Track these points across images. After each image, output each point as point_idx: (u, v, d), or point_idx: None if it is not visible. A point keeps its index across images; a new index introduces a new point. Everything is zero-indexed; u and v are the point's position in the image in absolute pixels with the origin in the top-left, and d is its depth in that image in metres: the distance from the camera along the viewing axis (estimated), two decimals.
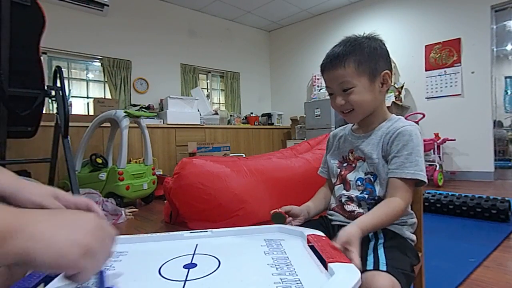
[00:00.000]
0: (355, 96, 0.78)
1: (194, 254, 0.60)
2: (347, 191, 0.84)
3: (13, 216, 0.37)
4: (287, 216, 0.81)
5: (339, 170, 0.88)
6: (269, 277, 0.50)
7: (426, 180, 0.74)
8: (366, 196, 0.79)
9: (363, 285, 0.57)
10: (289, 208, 0.83)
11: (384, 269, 0.60)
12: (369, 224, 0.66)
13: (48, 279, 0.48)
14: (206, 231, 0.71)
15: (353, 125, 0.91)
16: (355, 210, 0.80)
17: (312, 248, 0.61)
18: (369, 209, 0.78)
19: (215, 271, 0.53)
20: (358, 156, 0.84)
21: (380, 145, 0.80)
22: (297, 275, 0.50)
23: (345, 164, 0.87)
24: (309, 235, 0.65)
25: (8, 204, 0.50)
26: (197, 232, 0.71)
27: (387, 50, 0.82)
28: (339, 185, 0.86)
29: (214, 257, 0.59)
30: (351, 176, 0.84)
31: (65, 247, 0.38)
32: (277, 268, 0.53)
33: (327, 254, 0.54)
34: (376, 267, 0.60)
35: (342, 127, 0.97)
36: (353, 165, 0.84)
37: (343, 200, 0.83)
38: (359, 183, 0.81)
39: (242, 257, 0.57)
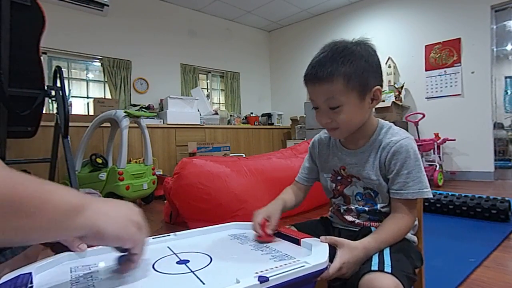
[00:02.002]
0: (342, 116, 0.71)
1: (175, 253, 0.59)
2: (346, 204, 0.81)
3: (81, 196, 0.43)
4: (272, 237, 0.70)
5: (334, 184, 0.83)
6: (262, 256, 0.56)
7: (431, 195, 0.71)
8: (367, 209, 0.77)
9: (366, 285, 0.57)
10: (267, 216, 0.73)
11: (389, 271, 0.59)
12: (374, 249, 0.66)
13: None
14: (169, 235, 0.71)
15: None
16: (354, 220, 0.79)
17: (276, 234, 0.69)
18: (369, 219, 0.78)
19: (211, 262, 0.54)
20: (352, 174, 0.79)
21: (376, 165, 0.75)
22: (281, 251, 0.58)
23: (339, 178, 0.82)
24: None
25: None
26: (160, 236, 0.69)
27: (379, 61, 0.75)
28: (338, 198, 0.83)
29: (201, 252, 0.59)
30: (348, 191, 0.80)
31: (125, 222, 0.47)
32: (262, 251, 0.59)
33: (295, 234, 0.65)
34: (381, 269, 0.60)
35: (326, 132, 0.88)
36: (349, 179, 0.80)
37: (341, 211, 0.82)
38: (359, 198, 0.79)
39: (225, 248, 0.60)
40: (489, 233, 1.88)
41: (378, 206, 0.76)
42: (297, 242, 0.62)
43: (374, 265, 0.61)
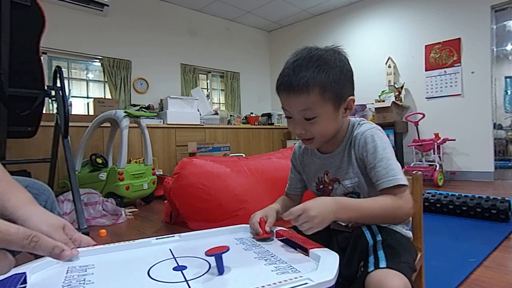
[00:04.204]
0: (318, 126, 0.70)
1: (175, 258, 0.58)
2: None
3: None
4: (272, 234, 0.72)
5: (318, 193, 0.84)
6: (264, 267, 0.52)
7: (405, 183, 0.68)
8: None
9: (373, 284, 0.57)
10: (264, 216, 0.75)
11: (384, 265, 0.59)
12: (349, 205, 0.66)
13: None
14: (174, 236, 0.69)
15: None
16: (348, 224, 0.79)
17: (285, 241, 0.65)
18: None
19: (209, 270, 0.52)
20: (334, 178, 0.79)
21: (353, 161, 0.74)
22: (286, 263, 0.54)
23: (321, 187, 0.82)
24: (277, 230, 0.69)
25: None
26: (164, 237, 0.69)
27: (351, 70, 0.74)
28: None
29: (200, 258, 0.57)
30: (333, 195, 0.79)
31: None
32: (265, 260, 0.56)
33: (304, 243, 0.60)
34: (377, 266, 0.60)
35: None
36: (330, 187, 0.79)
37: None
38: None
39: (227, 255, 0.57)
40: (489, 233, 1.88)
41: None
42: (305, 252, 0.58)
43: (371, 266, 0.61)
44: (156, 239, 0.67)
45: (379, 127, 0.75)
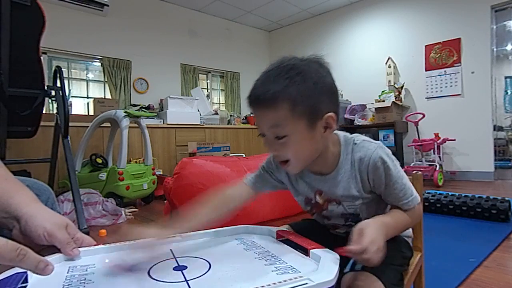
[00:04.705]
0: (290, 147, 0.62)
1: (175, 258, 0.58)
2: (328, 220, 0.77)
3: None
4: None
5: (309, 207, 0.78)
6: (264, 267, 0.52)
7: (419, 200, 0.69)
8: (353, 224, 0.68)
9: (341, 286, 0.58)
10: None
11: (359, 268, 0.59)
12: (390, 224, 0.63)
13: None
14: (175, 236, 0.68)
15: None
16: (346, 231, 0.76)
17: (285, 241, 0.65)
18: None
19: (209, 270, 0.52)
20: (330, 198, 0.71)
21: (358, 182, 0.68)
22: (287, 263, 0.54)
23: (313, 202, 0.75)
24: (278, 231, 0.69)
25: (18, 224, 0.55)
26: (165, 237, 0.69)
27: (332, 82, 0.64)
28: (316, 215, 0.79)
29: (200, 258, 0.58)
30: (327, 213, 0.75)
31: None
32: (266, 260, 0.56)
33: (305, 243, 0.59)
34: (352, 268, 0.61)
35: None
36: (324, 207, 0.73)
37: (328, 227, 0.79)
38: (340, 216, 0.74)
39: (227, 255, 0.56)
40: (489, 233, 1.88)
41: (362, 218, 0.71)
42: (306, 252, 0.57)
43: (348, 267, 0.61)
44: (158, 239, 0.67)
45: (381, 144, 0.69)
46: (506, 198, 2.13)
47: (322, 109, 0.61)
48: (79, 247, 0.59)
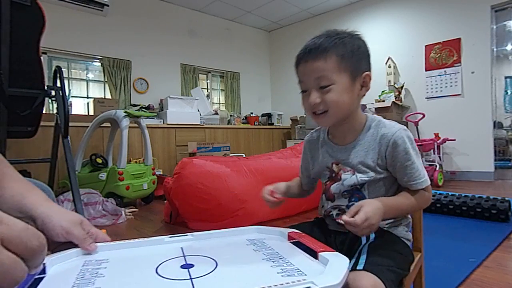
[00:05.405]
0: (333, 95, 0.69)
1: (184, 256, 0.59)
2: (331, 201, 0.80)
3: None
4: (280, 199, 0.82)
5: (325, 179, 0.83)
6: (270, 269, 0.53)
7: (429, 183, 0.74)
8: (356, 202, 0.75)
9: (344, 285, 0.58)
10: (274, 187, 0.84)
11: (361, 268, 0.60)
12: (389, 202, 0.69)
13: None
14: (186, 235, 0.70)
15: (327, 134, 0.84)
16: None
17: (296, 243, 0.65)
18: None
19: (215, 269, 0.53)
20: (345, 168, 0.77)
21: (374, 156, 0.74)
22: (294, 265, 0.54)
23: (333, 175, 0.81)
24: (290, 232, 0.69)
25: (34, 224, 0.57)
26: (177, 236, 0.70)
27: (369, 51, 0.76)
28: (323, 195, 0.83)
29: (208, 257, 0.58)
30: (335, 188, 0.79)
31: None
32: (273, 262, 0.56)
33: (314, 246, 0.59)
34: (354, 268, 0.61)
35: (315, 131, 0.89)
36: (338, 177, 0.78)
37: (334, 215, 0.80)
38: (345, 193, 0.77)
39: (235, 255, 0.57)
40: (489, 233, 1.88)
41: (367, 196, 0.75)
42: (314, 255, 0.57)
43: (350, 266, 0.61)
44: (169, 237, 0.69)
45: (405, 127, 0.75)
46: (506, 198, 2.13)
47: (362, 68, 0.72)
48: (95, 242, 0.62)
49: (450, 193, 2.37)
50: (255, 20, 5.83)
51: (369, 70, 0.74)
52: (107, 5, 4.05)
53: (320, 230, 0.82)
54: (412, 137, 0.74)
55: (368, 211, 0.62)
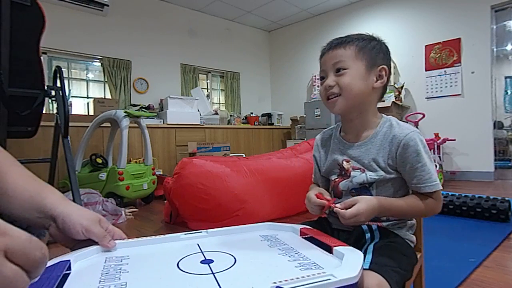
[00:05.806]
0: (346, 78, 0.74)
1: (202, 252, 0.61)
2: (338, 198, 0.80)
3: None
4: (333, 199, 0.77)
5: (334, 176, 0.83)
6: (288, 263, 0.54)
7: (441, 187, 0.74)
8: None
9: None
10: (318, 191, 0.80)
11: (367, 267, 0.60)
12: (387, 204, 0.70)
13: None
14: (201, 232, 0.71)
15: (340, 131, 0.85)
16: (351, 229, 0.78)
17: (309, 239, 0.66)
18: None
19: (234, 264, 0.54)
20: (355, 166, 0.78)
21: (384, 156, 0.75)
22: (310, 259, 0.55)
23: (343, 173, 0.82)
24: (302, 228, 0.70)
25: (55, 223, 0.58)
26: (192, 233, 0.71)
27: (389, 52, 0.81)
28: (330, 192, 0.83)
29: (226, 253, 0.59)
30: (343, 185, 0.79)
31: None
32: (289, 256, 0.57)
33: (328, 240, 0.60)
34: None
35: (328, 129, 0.91)
36: (348, 174, 0.79)
37: (333, 217, 0.80)
38: (353, 191, 0.78)
39: (252, 250, 0.57)
40: (489, 233, 1.88)
41: (374, 195, 0.75)
42: (329, 249, 0.58)
43: None
44: (185, 234, 0.70)
45: (418, 131, 0.76)
46: (506, 198, 2.13)
47: (379, 61, 0.77)
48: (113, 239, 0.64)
49: (450, 193, 2.37)
50: (255, 20, 5.83)
51: (387, 64, 0.78)
52: (107, 5, 4.05)
53: (323, 229, 0.82)
54: (423, 140, 0.74)
55: (360, 208, 0.65)
